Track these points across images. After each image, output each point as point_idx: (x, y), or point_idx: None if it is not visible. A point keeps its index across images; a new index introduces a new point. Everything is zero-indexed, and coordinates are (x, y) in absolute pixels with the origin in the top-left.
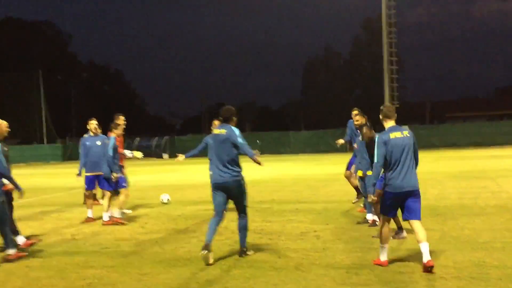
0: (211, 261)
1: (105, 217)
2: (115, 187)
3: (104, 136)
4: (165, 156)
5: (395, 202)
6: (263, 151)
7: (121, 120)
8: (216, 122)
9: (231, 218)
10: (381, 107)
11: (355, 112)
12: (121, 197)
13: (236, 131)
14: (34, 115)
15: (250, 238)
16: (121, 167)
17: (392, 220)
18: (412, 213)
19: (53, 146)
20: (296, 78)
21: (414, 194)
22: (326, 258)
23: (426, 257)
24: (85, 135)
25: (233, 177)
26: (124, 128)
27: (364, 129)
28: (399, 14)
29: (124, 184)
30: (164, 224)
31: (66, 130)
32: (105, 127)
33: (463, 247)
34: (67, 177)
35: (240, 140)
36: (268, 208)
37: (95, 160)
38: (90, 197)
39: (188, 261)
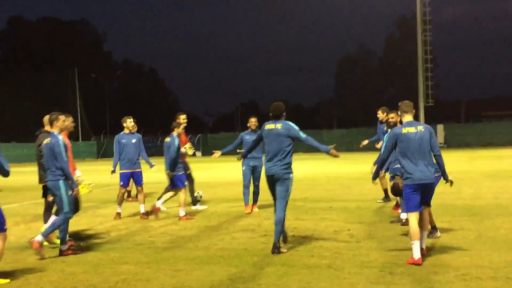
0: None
1: (181, 213)
2: (179, 185)
3: (139, 134)
4: (198, 153)
5: (415, 194)
6: (295, 149)
7: (181, 118)
8: (252, 119)
9: (264, 216)
10: (399, 103)
11: (383, 113)
12: (181, 196)
13: (296, 126)
14: (70, 113)
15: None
16: (185, 164)
17: (427, 219)
18: (423, 201)
19: (88, 143)
20: (329, 77)
21: (432, 186)
22: (360, 256)
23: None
24: (121, 133)
25: (282, 169)
26: (185, 127)
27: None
28: (434, 12)
29: (180, 184)
30: (197, 222)
31: (101, 127)
32: (139, 125)
33: (499, 247)
34: (102, 174)
35: (302, 134)
36: (301, 206)
37: (131, 157)
38: (122, 194)
39: (221, 258)
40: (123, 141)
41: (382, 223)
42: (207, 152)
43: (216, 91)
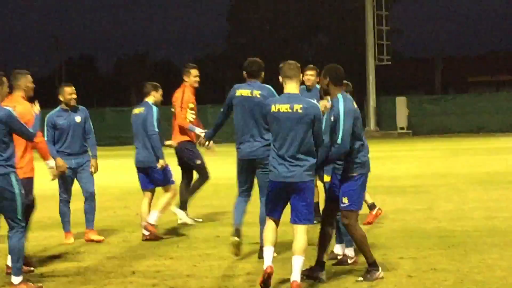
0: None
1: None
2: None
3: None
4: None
5: (274, 195)
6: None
7: (192, 74)
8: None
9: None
10: (281, 64)
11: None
12: (168, 196)
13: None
14: None
15: None
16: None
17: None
18: (294, 211)
19: None
20: (217, 18)
21: (299, 187)
22: None
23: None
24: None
25: (265, 150)
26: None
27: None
28: None
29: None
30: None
31: None
32: None
33: None
34: None
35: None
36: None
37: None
38: None
39: None
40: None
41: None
42: None
43: (24, 38)
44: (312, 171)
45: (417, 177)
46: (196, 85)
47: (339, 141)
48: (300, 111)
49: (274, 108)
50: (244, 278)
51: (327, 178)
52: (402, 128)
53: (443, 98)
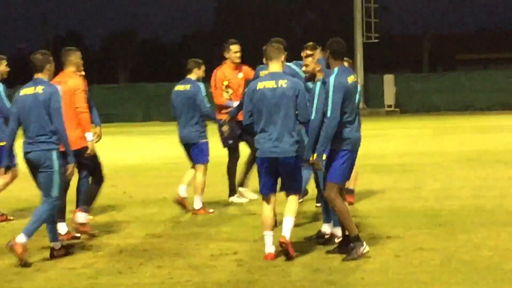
0: None
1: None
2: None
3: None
4: None
5: (264, 172)
6: (150, 115)
7: (233, 49)
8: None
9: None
10: (264, 47)
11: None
12: (199, 177)
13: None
14: None
15: None
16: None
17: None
18: (284, 185)
19: None
20: None
21: (285, 162)
22: None
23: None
24: None
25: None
26: None
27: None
28: None
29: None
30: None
31: None
32: None
33: (480, 277)
34: None
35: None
36: None
37: None
38: None
39: None
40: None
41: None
42: None
43: (9, 15)
44: (297, 147)
45: (404, 155)
46: (237, 60)
47: (328, 113)
48: (284, 85)
49: (260, 86)
50: (232, 258)
51: (324, 157)
52: (389, 106)
53: (431, 76)
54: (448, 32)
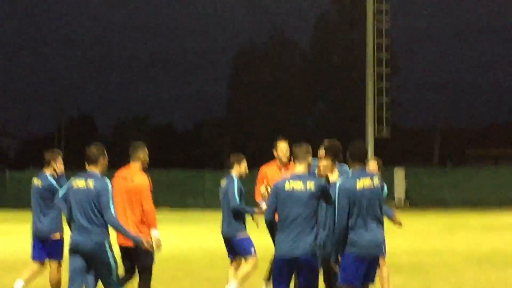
0: None
1: None
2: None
3: None
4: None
5: (282, 271)
6: (158, 202)
7: (281, 148)
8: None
9: None
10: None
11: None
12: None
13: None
14: None
15: None
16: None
17: None
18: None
19: None
20: (218, 84)
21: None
22: None
23: None
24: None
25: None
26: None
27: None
28: None
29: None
30: None
31: None
32: None
33: None
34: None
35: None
36: None
37: None
38: None
39: None
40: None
41: None
42: (5, 202)
43: (24, 98)
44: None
45: (414, 253)
46: (284, 159)
47: (336, 218)
48: (312, 188)
49: (288, 186)
50: None
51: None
52: (399, 200)
53: (441, 170)
54: (458, 126)
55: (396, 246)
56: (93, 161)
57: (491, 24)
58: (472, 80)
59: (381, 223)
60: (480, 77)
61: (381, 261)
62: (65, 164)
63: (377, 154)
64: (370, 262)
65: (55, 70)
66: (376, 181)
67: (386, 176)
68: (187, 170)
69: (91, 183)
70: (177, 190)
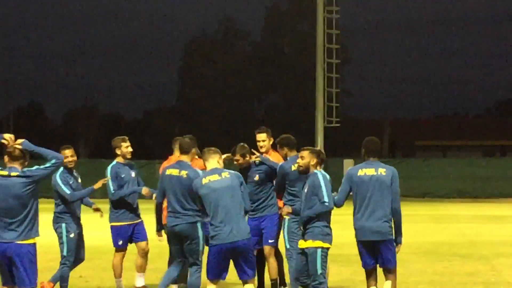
0: None
1: None
2: None
3: None
4: None
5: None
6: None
7: None
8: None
9: None
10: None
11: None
12: None
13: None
14: None
15: None
16: None
17: None
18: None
19: None
20: (169, 72)
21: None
22: None
23: None
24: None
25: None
26: None
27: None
28: None
29: None
30: None
31: None
32: None
33: None
34: None
35: None
36: None
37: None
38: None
39: None
40: (123, 175)
41: None
42: None
43: None
44: None
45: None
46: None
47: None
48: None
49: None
50: None
51: None
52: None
53: (390, 161)
54: (408, 118)
55: (344, 236)
56: (186, 152)
57: (441, 16)
58: (422, 72)
59: (382, 209)
60: (430, 68)
61: None
62: None
63: (327, 144)
64: (372, 246)
65: (2, 57)
66: (381, 171)
67: (336, 167)
68: (136, 160)
69: (184, 174)
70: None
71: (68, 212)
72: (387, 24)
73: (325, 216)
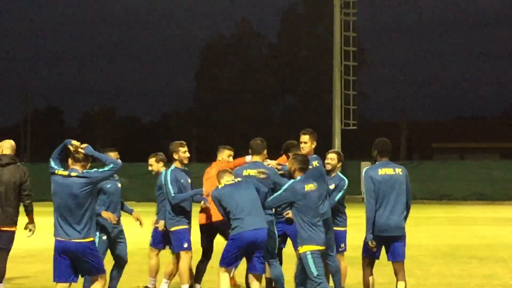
0: None
1: None
2: None
3: None
4: None
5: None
6: (126, 196)
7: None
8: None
9: None
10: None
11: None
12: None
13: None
14: None
15: None
16: None
17: None
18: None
19: None
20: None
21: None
22: None
23: None
24: (173, 167)
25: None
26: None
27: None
28: None
29: None
30: None
31: None
32: None
33: None
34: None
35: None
36: None
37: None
38: None
39: None
40: (182, 181)
41: None
42: None
43: None
44: None
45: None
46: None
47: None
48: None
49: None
50: None
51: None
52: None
53: (407, 164)
54: (425, 120)
55: (362, 239)
56: (258, 153)
57: (459, 18)
58: (438, 74)
59: (401, 206)
60: (446, 71)
61: (339, 256)
62: (30, 156)
63: (344, 147)
64: (385, 240)
65: (20, 61)
66: (398, 170)
67: (353, 170)
68: None
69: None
70: (145, 182)
71: None
72: (404, 26)
73: (309, 219)
